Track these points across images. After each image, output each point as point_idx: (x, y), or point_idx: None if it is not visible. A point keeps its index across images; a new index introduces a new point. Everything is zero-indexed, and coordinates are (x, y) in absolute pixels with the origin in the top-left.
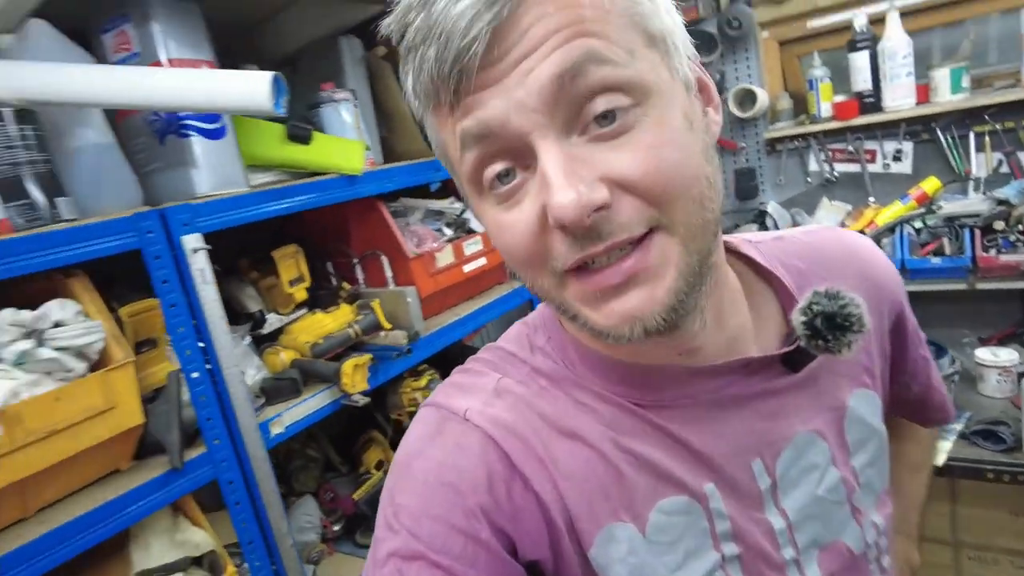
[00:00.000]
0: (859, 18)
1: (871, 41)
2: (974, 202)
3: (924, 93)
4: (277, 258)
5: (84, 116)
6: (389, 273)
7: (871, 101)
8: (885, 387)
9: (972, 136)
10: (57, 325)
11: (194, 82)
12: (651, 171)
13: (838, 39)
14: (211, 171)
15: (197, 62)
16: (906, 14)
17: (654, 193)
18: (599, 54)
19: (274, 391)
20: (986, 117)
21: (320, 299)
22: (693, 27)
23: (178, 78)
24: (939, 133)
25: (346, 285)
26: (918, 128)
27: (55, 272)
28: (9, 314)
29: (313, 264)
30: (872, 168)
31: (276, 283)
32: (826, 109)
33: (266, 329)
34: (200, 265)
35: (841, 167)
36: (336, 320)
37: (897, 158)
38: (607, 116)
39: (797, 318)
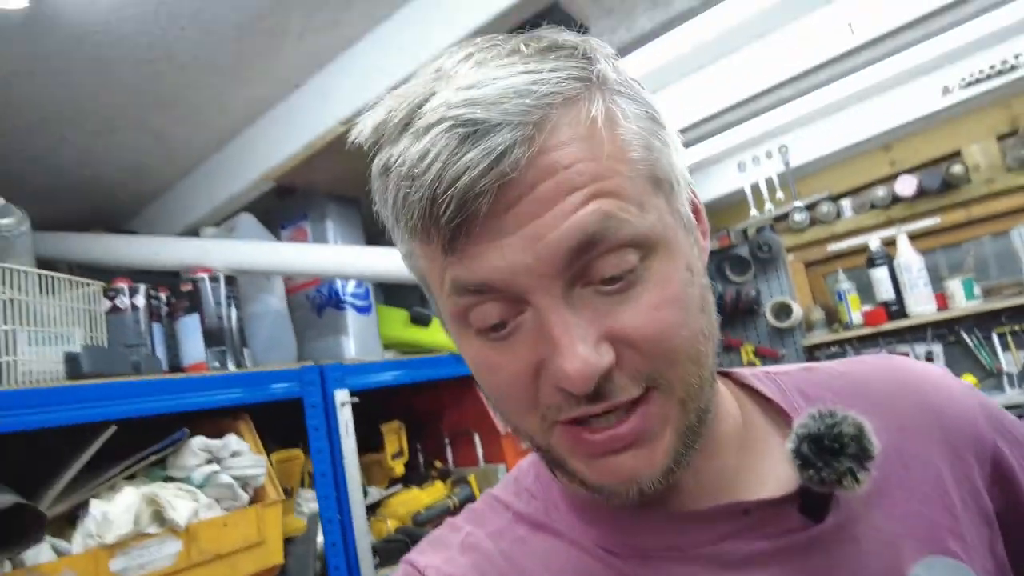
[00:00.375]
0: (873, 241)
1: (886, 259)
2: (1013, 395)
3: (942, 301)
4: (385, 431)
5: (268, 286)
6: (481, 451)
7: (896, 309)
8: (999, 557)
9: (996, 337)
10: (233, 456)
11: (362, 256)
12: (653, 333)
13: (856, 259)
14: (358, 340)
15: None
16: (913, 237)
17: (656, 352)
18: (615, 218)
19: (386, 553)
20: (1003, 319)
21: (410, 476)
22: (727, 252)
23: (348, 253)
24: (964, 335)
25: (438, 463)
26: (943, 331)
27: (226, 411)
28: (200, 441)
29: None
30: None
31: (374, 459)
32: (856, 317)
33: (368, 501)
34: (346, 418)
35: None
36: (430, 495)
37: (929, 359)
38: (615, 278)
39: (787, 447)
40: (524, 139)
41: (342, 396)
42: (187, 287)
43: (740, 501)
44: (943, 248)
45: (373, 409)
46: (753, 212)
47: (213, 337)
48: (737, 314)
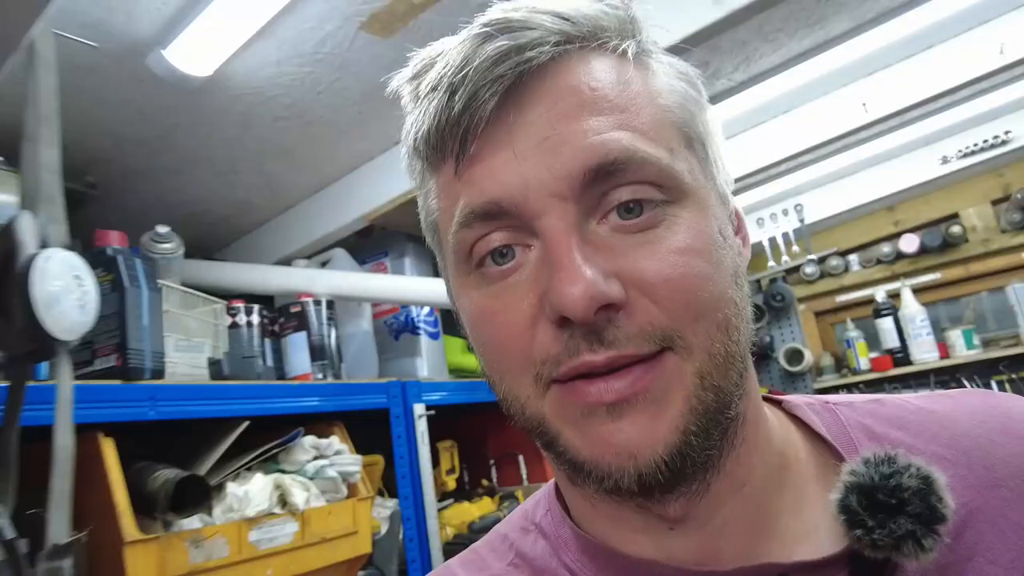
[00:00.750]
0: (879, 293)
1: (892, 309)
2: None
3: (944, 350)
4: (440, 449)
5: (359, 311)
6: (525, 471)
7: (901, 356)
8: None
9: (995, 384)
10: (336, 454)
11: (438, 285)
12: (675, 278)
13: (863, 310)
14: (428, 362)
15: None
16: (916, 290)
17: (674, 304)
18: (640, 151)
19: (451, 552)
20: (1001, 368)
21: (459, 492)
22: None
23: (427, 284)
24: (965, 382)
25: (484, 481)
26: (946, 378)
27: (319, 416)
28: (311, 439)
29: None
30: None
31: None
32: (864, 363)
33: None
34: (422, 428)
35: None
36: (480, 509)
37: None
38: (632, 208)
39: (831, 497)
40: (553, 39)
41: (419, 409)
42: (296, 309)
43: (774, 563)
44: (944, 301)
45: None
46: (771, 264)
47: (316, 352)
48: (752, 358)
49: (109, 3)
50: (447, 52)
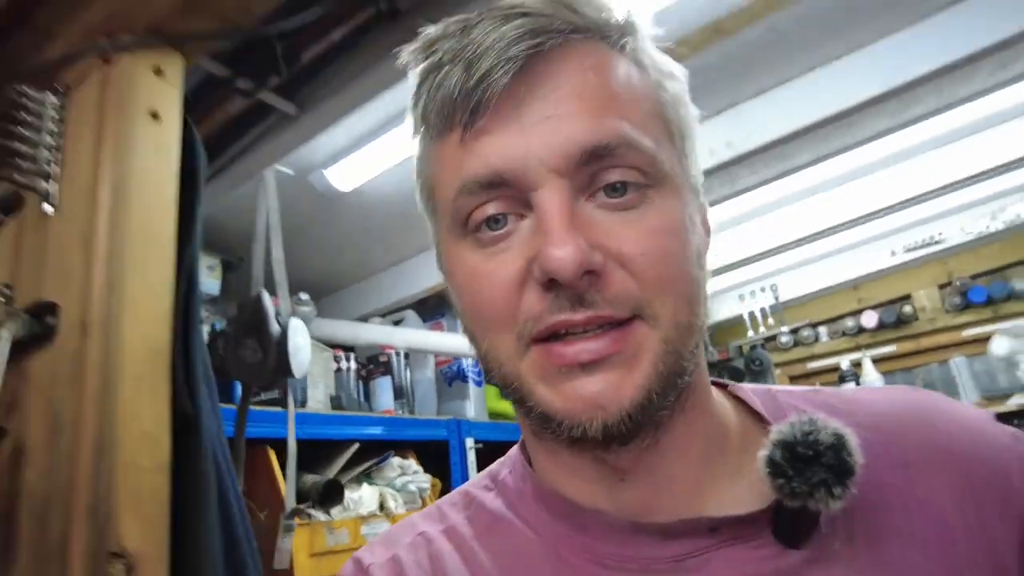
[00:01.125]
0: (844, 362)
1: (855, 377)
2: None
3: None
4: None
5: (425, 361)
6: None
7: None
8: None
9: None
10: (414, 473)
11: None
12: (650, 252)
13: (831, 376)
14: (474, 404)
15: None
16: (875, 360)
17: (648, 276)
18: (632, 139)
19: None
20: None
21: None
22: (726, 364)
23: None
24: None
25: None
26: None
27: (393, 444)
28: (397, 460)
29: None
30: None
31: None
32: None
33: None
34: (472, 458)
35: None
36: None
37: None
38: (618, 188)
39: (759, 454)
40: (564, 28)
41: (470, 442)
42: (383, 358)
43: (707, 516)
44: (900, 371)
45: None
46: (750, 333)
47: (397, 393)
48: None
49: None
50: (464, 29)
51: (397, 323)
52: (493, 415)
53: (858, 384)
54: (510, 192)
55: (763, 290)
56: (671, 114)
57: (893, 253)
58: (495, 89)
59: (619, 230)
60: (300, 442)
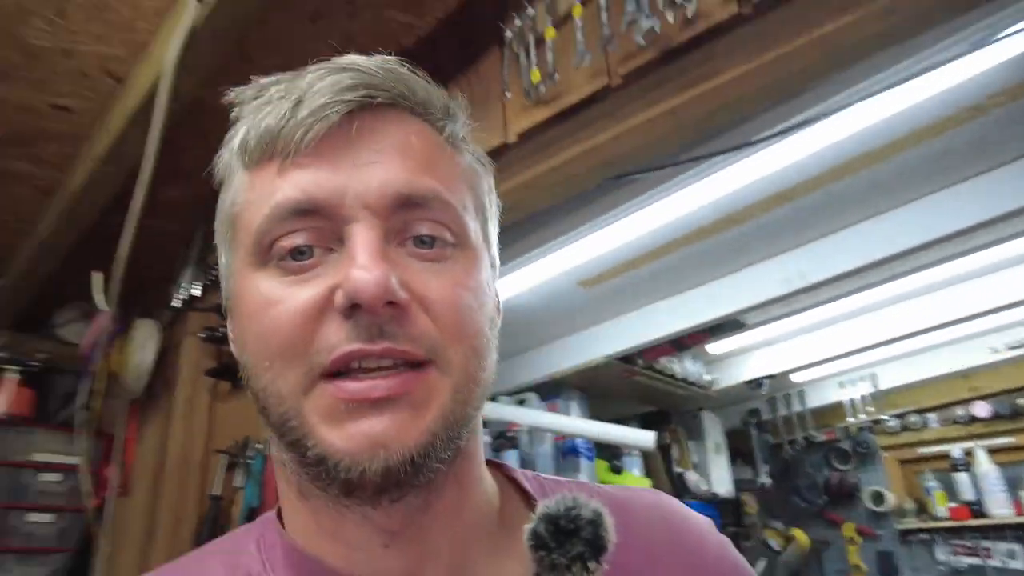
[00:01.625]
0: (955, 450)
1: (967, 466)
2: None
3: (1019, 507)
4: None
5: (545, 436)
6: None
7: (977, 508)
8: None
9: None
10: None
11: (595, 426)
12: (451, 301)
13: (942, 462)
14: (586, 477)
15: (589, 419)
16: (991, 451)
17: (447, 322)
18: (443, 198)
19: None
20: None
21: None
22: (832, 445)
23: (592, 424)
24: None
25: None
26: (1022, 533)
27: None
28: None
29: None
30: (992, 563)
31: None
32: (942, 511)
33: None
34: None
35: (966, 559)
36: None
37: (1012, 557)
38: (426, 240)
39: (525, 527)
40: (394, 89)
41: None
42: (511, 433)
43: None
44: (1021, 463)
45: None
46: (850, 419)
47: (522, 465)
48: (840, 497)
49: None
50: (298, 75)
51: (521, 402)
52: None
53: (969, 473)
54: (321, 224)
55: (863, 379)
56: (480, 193)
57: (995, 351)
58: (323, 124)
59: (425, 277)
60: None
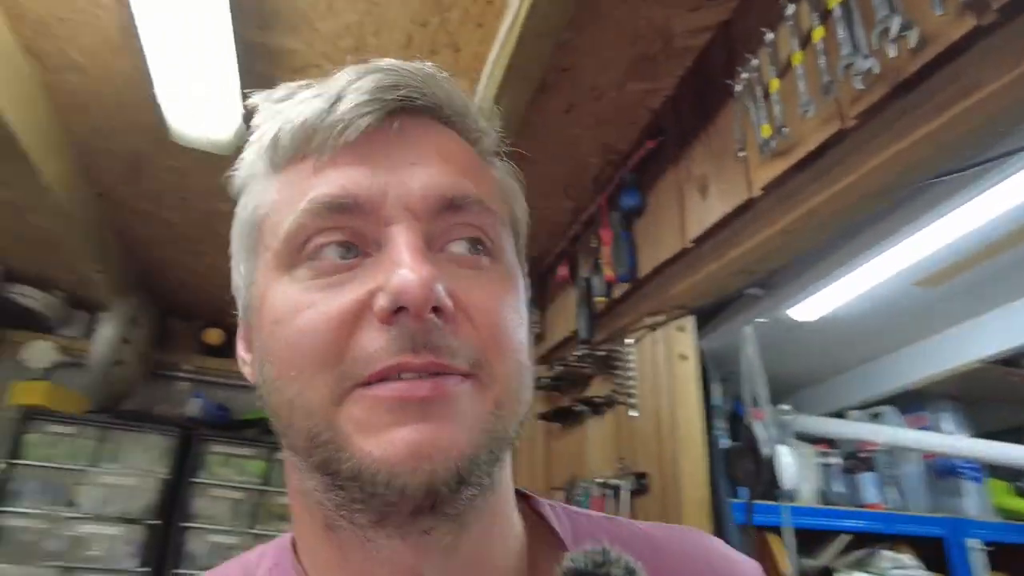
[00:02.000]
0: None
1: None
2: None
3: None
4: None
5: (909, 456)
6: None
7: None
8: None
9: None
10: (912, 568)
11: (979, 445)
12: (495, 311)
13: None
14: (976, 501)
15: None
16: None
17: (490, 334)
18: (485, 203)
19: None
20: None
21: None
22: None
23: (969, 443)
24: None
25: None
26: None
27: (888, 537)
28: (889, 553)
29: None
30: None
31: None
32: None
33: None
34: (978, 561)
35: None
36: None
37: None
38: (467, 247)
39: None
40: (434, 95)
41: (974, 544)
42: (865, 455)
43: None
44: None
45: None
46: None
47: (883, 486)
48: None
49: None
50: (332, 77)
51: (875, 416)
52: (1005, 514)
53: None
54: (359, 224)
55: None
56: (516, 208)
57: None
58: (366, 120)
59: (467, 285)
60: (795, 531)
